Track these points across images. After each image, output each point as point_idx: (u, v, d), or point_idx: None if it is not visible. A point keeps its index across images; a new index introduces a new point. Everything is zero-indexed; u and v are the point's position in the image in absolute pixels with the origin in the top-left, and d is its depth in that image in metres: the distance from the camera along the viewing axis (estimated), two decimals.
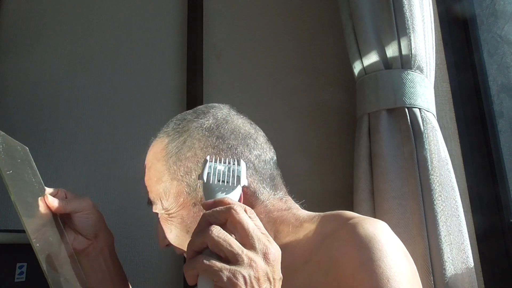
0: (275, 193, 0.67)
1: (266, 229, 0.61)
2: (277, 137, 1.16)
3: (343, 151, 1.08)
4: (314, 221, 0.62)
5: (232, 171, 0.53)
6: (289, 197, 0.69)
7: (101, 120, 1.32)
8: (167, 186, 0.63)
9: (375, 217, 0.86)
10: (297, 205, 0.69)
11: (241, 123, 0.69)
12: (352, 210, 0.91)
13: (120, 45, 1.37)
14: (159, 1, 1.36)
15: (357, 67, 0.96)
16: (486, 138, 1.01)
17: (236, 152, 0.64)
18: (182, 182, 0.62)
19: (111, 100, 1.33)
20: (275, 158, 0.70)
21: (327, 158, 1.09)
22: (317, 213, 0.65)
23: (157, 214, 0.66)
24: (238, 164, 0.55)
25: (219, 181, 0.52)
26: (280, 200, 0.67)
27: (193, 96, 1.22)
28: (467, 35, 1.08)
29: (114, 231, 1.23)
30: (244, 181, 0.53)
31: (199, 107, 0.71)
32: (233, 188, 0.51)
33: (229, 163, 0.55)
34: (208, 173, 0.52)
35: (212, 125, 0.65)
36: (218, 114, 0.68)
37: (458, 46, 1.08)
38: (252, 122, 0.71)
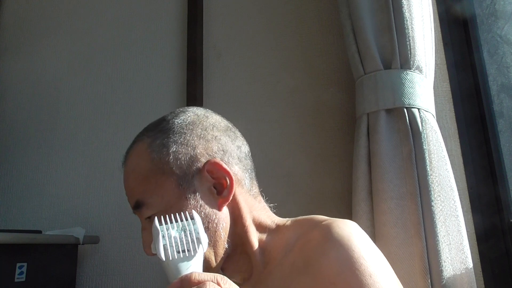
0: (251, 188, 0.67)
1: (247, 225, 0.63)
2: (277, 137, 1.16)
3: (342, 151, 1.08)
4: (287, 224, 0.64)
5: (190, 232, 0.48)
6: (262, 198, 0.70)
7: (101, 120, 1.32)
8: (157, 182, 0.61)
9: (373, 217, 0.86)
10: (268, 207, 0.70)
11: (220, 118, 0.69)
12: (350, 210, 0.91)
13: (120, 45, 1.37)
14: (159, 1, 1.36)
15: (356, 67, 0.96)
16: (486, 138, 1.01)
17: (220, 142, 0.64)
18: (172, 175, 0.61)
19: (111, 100, 1.33)
20: (250, 153, 0.70)
21: (326, 158, 1.09)
22: (288, 218, 0.66)
23: (145, 219, 0.64)
24: (192, 218, 0.51)
25: (178, 252, 0.47)
26: (255, 198, 0.68)
27: (193, 96, 1.22)
28: (467, 35, 1.08)
29: (114, 231, 1.24)
30: (204, 239, 0.49)
31: (175, 110, 0.70)
32: (195, 253, 0.47)
33: (181, 220, 0.50)
34: (163, 245, 0.47)
35: (194, 119, 0.65)
36: (197, 111, 0.68)
37: (458, 46, 1.08)
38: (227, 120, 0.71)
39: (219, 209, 0.61)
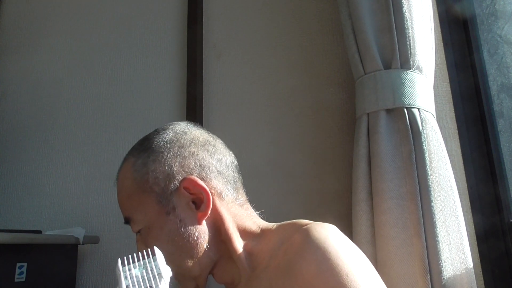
0: (237, 197, 0.70)
1: (230, 233, 0.66)
2: (277, 137, 1.16)
3: (342, 151, 1.08)
4: (273, 229, 0.66)
5: (151, 270, 0.50)
6: (249, 205, 0.72)
7: (101, 120, 1.32)
8: (140, 200, 0.65)
9: (373, 217, 0.86)
10: (255, 213, 0.72)
11: (199, 133, 0.71)
12: (350, 210, 0.91)
13: (120, 45, 1.37)
14: (159, 1, 1.36)
15: (356, 67, 0.96)
16: (486, 138, 1.01)
17: (198, 158, 0.67)
18: (151, 193, 0.64)
19: (111, 100, 1.33)
20: (236, 162, 0.72)
21: (326, 158, 1.09)
22: (274, 223, 0.68)
23: (136, 233, 0.68)
24: (153, 255, 0.52)
25: None
26: (241, 207, 0.70)
27: (193, 96, 1.22)
28: (467, 35, 1.08)
29: (114, 231, 1.24)
30: (166, 273, 0.51)
31: (159, 127, 0.73)
32: None
33: (143, 258, 0.52)
34: (127, 286, 0.49)
35: (172, 137, 0.68)
36: (177, 128, 0.71)
37: (458, 46, 1.08)
38: (209, 132, 0.73)
39: (199, 222, 0.65)
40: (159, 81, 1.30)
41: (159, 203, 0.64)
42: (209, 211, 0.65)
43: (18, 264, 0.90)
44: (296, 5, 1.23)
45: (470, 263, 0.81)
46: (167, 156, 0.66)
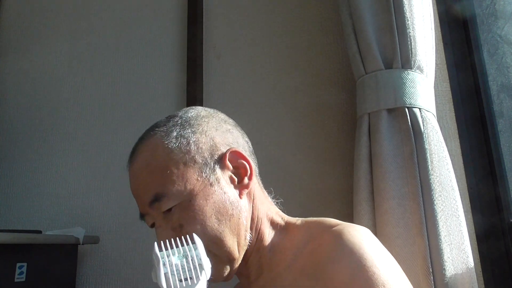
0: (259, 183, 0.68)
1: (262, 220, 0.62)
2: (277, 137, 1.16)
3: (342, 151, 1.08)
4: (298, 224, 0.63)
5: (191, 258, 0.47)
6: (268, 194, 0.70)
7: (101, 120, 1.32)
8: (179, 172, 0.60)
9: (374, 216, 0.86)
10: (274, 204, 0.70)
11: (226, 116, 0.71)
12: (352, 210, 0.91)
13: (120, 45, 1.37)
14: (159, 1, 1.36)
15: (357, 67, 0.96)
16: (486, 138, 1.01)
17: (233, 135, 0.65)
18: (194, 164, 0.60)
19: (111, 100, 1.33)
20: None
21: (326, 158, 1.09)
22: (297, 217, 0.65)
23: (163, 212, 0.61)
24: (193, 242, 0.49)
25: (180, 280, 0.45)
26: (263, 192, 0.68)
27: (193, 96, 1.22)
28: (467, 35, 1.08)
29: (114, 231, 1.24)
30: (207, 265, 0.47)
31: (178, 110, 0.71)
32: (198, 281, 0.45)
33: (182, 245, 0.48)
34: (165, 273, 0.45)
35: (207, 114, 0.67)
36: (206, 108, 0.70)
37: (458, 46, 1.08)
38: None
39: (240, 197, 0.62)
40: (159, 81, 1.30)
41: (202, 174, 0.60)
42: (250, 186, 0.62)
43: (18, 264, 0.90)
44: (296, 5, 1.23)
45: (471, 263, 0.81)
46: (206, 128, 0.63)
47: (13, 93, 1.43)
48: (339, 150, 1.09)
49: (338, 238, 0.53)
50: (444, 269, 0.78)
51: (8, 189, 1.33)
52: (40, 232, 1.05)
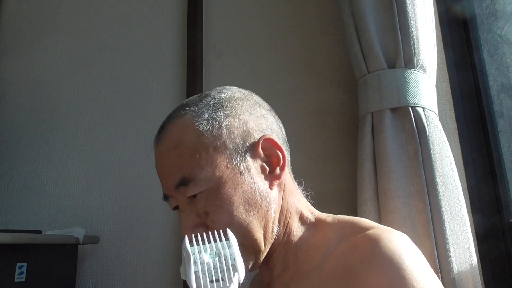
0: (290, 174, 0.64)
1: (291, 214, 0.59)
2: None
3: (345, 151, 1.08)
4: (329, 222, 0.59)
5: (225, 258, 0.43)
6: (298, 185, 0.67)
7: (101, 120, 1.32)
8: (208, 156, 0.56)
9: (380, 216, 0.85)
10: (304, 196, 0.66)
11: (262, 99, 0.66)
12: (353, 210, 0.91)
13: (120, 45, 1.37)
14: (159, 1, 1.36)
15: (359, 66, 0.96)
16: (486, 138, 1.01)
17: (268, 120, 0.62)
18: (224, 149, 0.57)
19: (111, 100, 1.33)
20: None
21: (327, 158, 1.09)
22: (329, 214, 0.62)
23: (188, 197, 0.57)
24: (227, 239, 0.45)
25: (212, 281, 0.42)
26: (294, 184, 0.64)
27: None
28: (467, 35, 1.08)
29: (114, 231, 1.24)
30: (241, 266, 0.43)
31: (211, 89, 0.66)
32: (230, 283, 0.42)
33: (214, 241, 0.45)
34: (195, 272, 0.42)
35: (241, 96, 0.63)
36: (240, 89, 0.65)
37: (458, 46, 1.08)
38: None
39: (271, 188, 0.59)
40: (159, 81, 1.30)
41: (233, 161, 0.57)
42: (282, 177, 0.59)
43: (18, 264, 0.90)
44: (296, 5, 1.23)
45: (475, 263, 0.81)
46: (240, 111, 0.59)
47: (13, 93, 1.43)
48: (340, 150, 1.09)
49: (376, 243, 0.49)
50: (451, 268, 0.78)
51: (8, 189, 1.33)
52: (40, 232, 1.05)
